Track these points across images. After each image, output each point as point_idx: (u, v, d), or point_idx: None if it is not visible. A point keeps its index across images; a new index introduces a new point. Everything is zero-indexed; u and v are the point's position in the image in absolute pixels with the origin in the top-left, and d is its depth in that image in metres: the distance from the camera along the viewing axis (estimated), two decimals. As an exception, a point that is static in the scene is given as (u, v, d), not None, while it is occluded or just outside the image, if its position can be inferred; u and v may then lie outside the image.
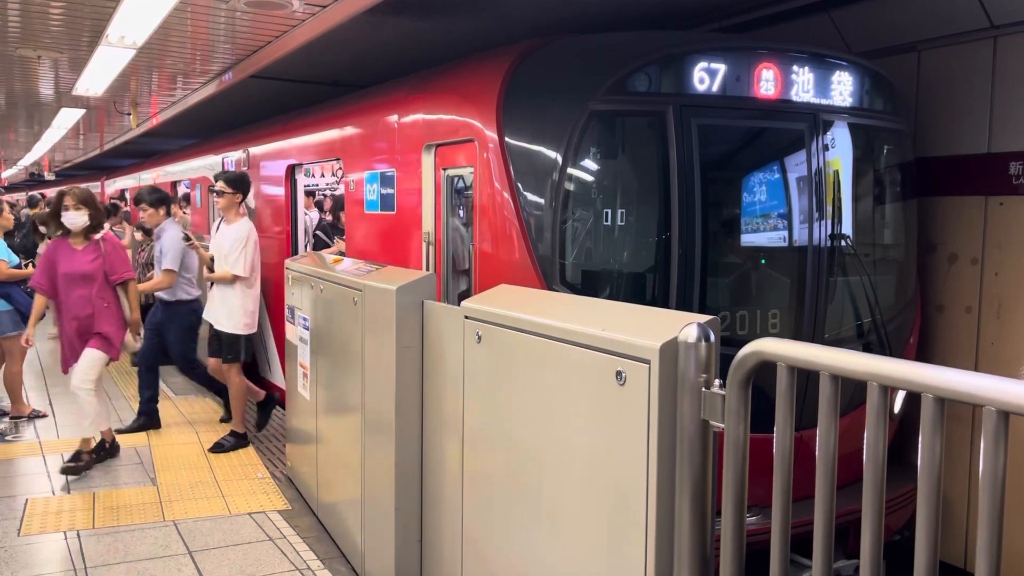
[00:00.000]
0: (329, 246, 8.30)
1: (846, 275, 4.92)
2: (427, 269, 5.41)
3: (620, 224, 4.59)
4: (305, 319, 5.59)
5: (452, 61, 5.89)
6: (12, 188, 33.21)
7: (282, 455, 6.62)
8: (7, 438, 7.08)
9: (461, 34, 6.75)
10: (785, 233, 4.76)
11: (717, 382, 2.29)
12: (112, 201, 13.82)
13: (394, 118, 6.04)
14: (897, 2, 5.43)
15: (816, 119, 4.71)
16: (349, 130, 7.09)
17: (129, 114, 11.10)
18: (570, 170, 4.43)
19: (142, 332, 6.66)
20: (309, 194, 10.40)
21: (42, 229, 9.45)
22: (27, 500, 5.57)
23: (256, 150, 9.36)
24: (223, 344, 7.05)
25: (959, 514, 5.33)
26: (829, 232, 4.76)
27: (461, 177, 5.19)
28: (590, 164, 4.60)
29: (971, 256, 5.34)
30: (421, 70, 6.41)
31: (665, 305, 4.36)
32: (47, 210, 14.53)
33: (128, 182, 18.53)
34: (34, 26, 6.46)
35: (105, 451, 6.50)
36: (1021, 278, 5.10)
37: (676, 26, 6.56)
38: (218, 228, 7.25)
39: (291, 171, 8.36)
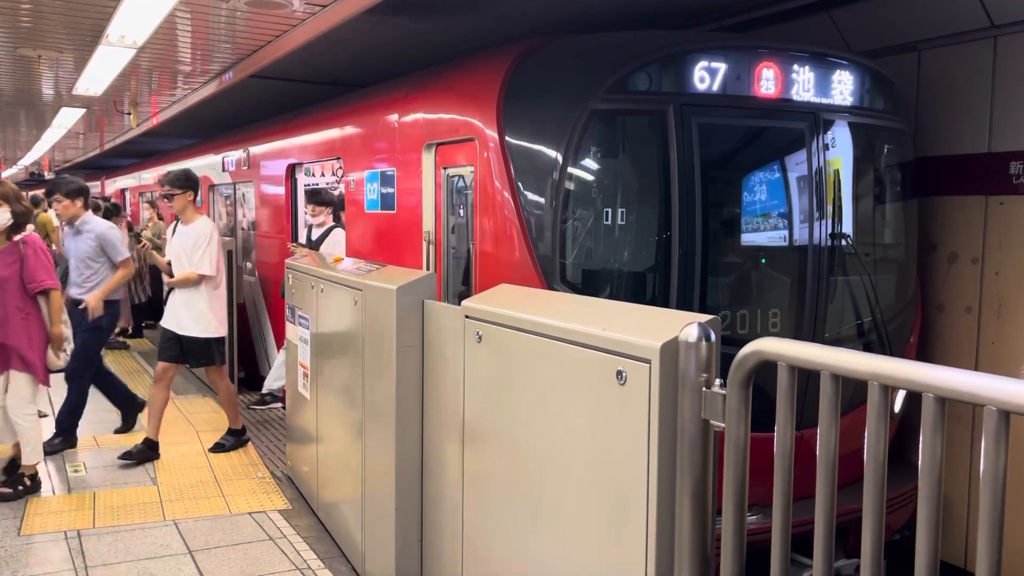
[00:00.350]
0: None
1: (846, 274, 4.92)
2: (427, 268, 5.42)
3: (620, 223, 4.59)
4: (305, 319, 5.59)
5: (452, 60, 5.89)
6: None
7: (282, 454, 6.62)
8: (7, 438, 7.07)
9: (461, 34, 6.75)
10: (785, 232, 4.76)
11: (718, 382, 2.29)
12: (113, 201, 13.80)
13: (394, 117, 6.04)
14: (897, 2, 5.43)
15: (816, 118, 4.71)
16: (349, 129, 7.09)
17: (129, 114, 11.09)
18: (570, 169, 4.43)
19: (67, 348, 5.87)
20: (314, 194, 10.40)
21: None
22: (27, 499, 5.57)
23: (256, 149, 9.37)
24: (194, 351, 6.65)
25: (959, 514, 5.33)
26: (829, 231, 4.76)
27: (461, 176, 5.19)
28: (590, 163, 4.60)
29: (971, 256, 5.34)
30: (421, 70, 6.42)
31: (665, 304, 4.36)
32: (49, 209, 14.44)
33: (128, 182, 18.54)
34: (34, 25, 6.45)
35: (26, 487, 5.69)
36: (1021, 278, 5.10)
37: (676, 26, 6.56)
38: (174, 231, 6.91)
39: (291, 170, 8.36)
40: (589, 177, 4.65)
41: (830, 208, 4.76)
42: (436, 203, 5.45)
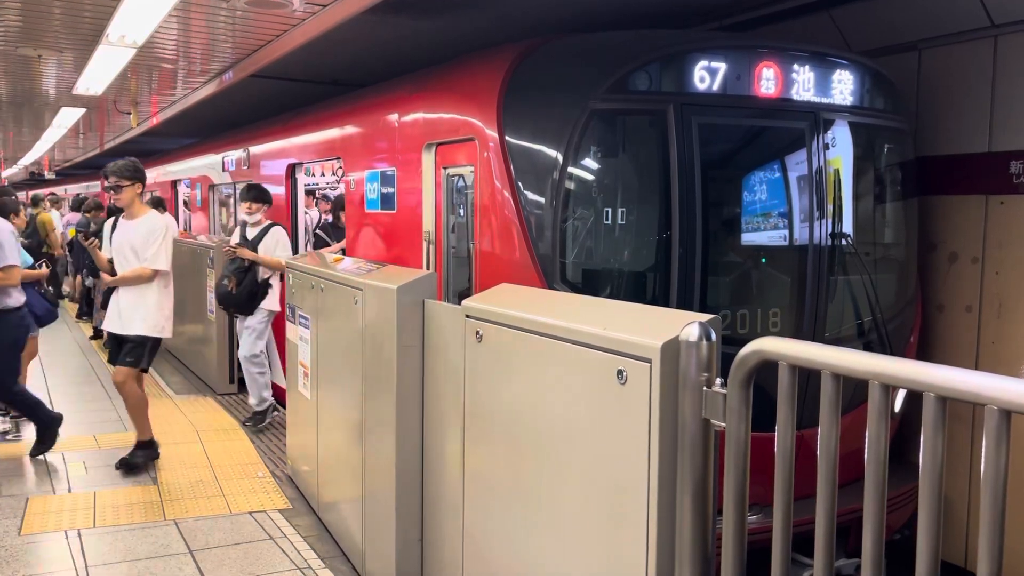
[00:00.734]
0: (329, 245, 8.30)
1: (847, 274, 4.92)
2: (427, 268, 5.42)
3: (621, 223, 4.59)
4: (306, 318, 5.59)
5: (452, 60, 5.89)
6: (13, 187, 33.15)
7: (282, 454, 6.62)
8: (8, 438, 7.08)
9: (461, 33, 6.75)
10: (786, 232, 4.76)
11: (718, 381, 2.29)
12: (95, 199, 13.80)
13: (394, 117, 6.04)
14: (898, 1, 5.43)
15: (817, 118, 4.71)
16: (349, 129, 7.09)
17: (129, 113, 11.10)
18: (571, 169, 4.43)
19: None
20: (309, 193, 10.41)
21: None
22: (28, 499, 5.57)
23: (256, 149, 9.37)
24: (129, 348, 6.14)
25: (960, 513, 5.33)
26: (830, 231, 4.76)
27: (461, 176, 5.19)
28: (591, 163, 4.60)
29: (972, 255, 5.34)
30: (421, 69, 6.42)
31: (666, 304, 4.36)
32: (50, 209, 14.45)
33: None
34: (35, 25, 6.45)
35: None
36: (1022, 277, 5.10)
37: (676, 25, 6.56)
38: (115, 226, 6.40)
39: (291, 170, 8.36)
40: (589, 177, 4.65)
41: (830, 208, 4.77)
42: (436, 203, 5.45)
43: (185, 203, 13.66)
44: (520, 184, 4.52)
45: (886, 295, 5.11)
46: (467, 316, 3.51)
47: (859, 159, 5.01)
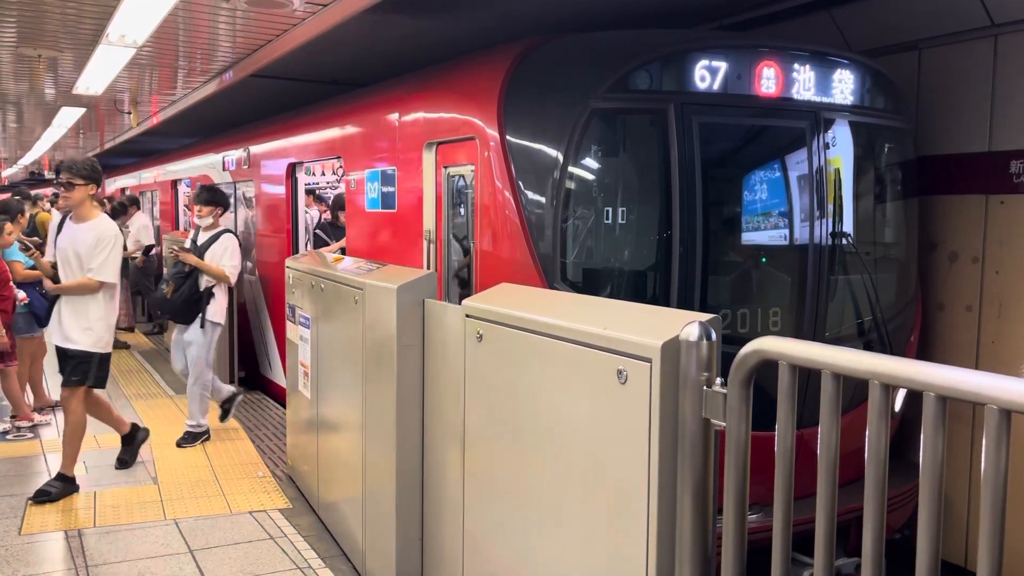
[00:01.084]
0: (329, 244, 8.29)
1: (847, 273, 4.92)
2: (428, 267, 5.42)
3: (621, 222, 4.58)
4: (306, 318, 5.59)
5: (453, 59, 5.89)
6: (13, 187, 33.21)
7: (283, 453, 6.62)
8: (8, 437, 7.08)
9: (461, 33, 6.75)
10: (786, 231, 4.76)
11: (718, 380, 2.29)
12: (120, 201, 13.80)
13: (395, 116, 6.04)
14: (898, 1, 5.43)
15: (817, 117, 4.71)
16: (350, 128, 7.09)
17: (129, 113, 11.09)
18: (571, 168, 4.43)
19: None
20: (309, 192, 10.41)
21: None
22: (28, 499, 5.57)
23: (257, 148, 9.37)
24: (74, 366, 5.72)
25: (960, 513, 5.33)
26: (830, 230, 4.76)
27: (462, 175, 5.19)
28: (591, 162, 4.60)
29: (972, 255, 5.34)
30: (421, 69, 6.41)
31: (666, 303, 4.36)
32: (50, 208, 14.43)
33: (129, 181, 18.55)
34: (35, 25, 6.45)
35: None
36: (1022, 277, 5.10)
37: (677, 25, 6.56)
38: (60, 228, 5.90)
39: (292, 169, 8.36)
40: (590, 176, 4.65)
41: (830, 207, 4.76)
42: (437, 202, 5.45)
43: (187, 205, 13.67)
44: (521, 183, 4.52)
45: (886, 295, 5.11)
46: (467, 316, 3.51)
47: (859, 159, 5.01)
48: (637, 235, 4.66)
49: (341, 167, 7.43)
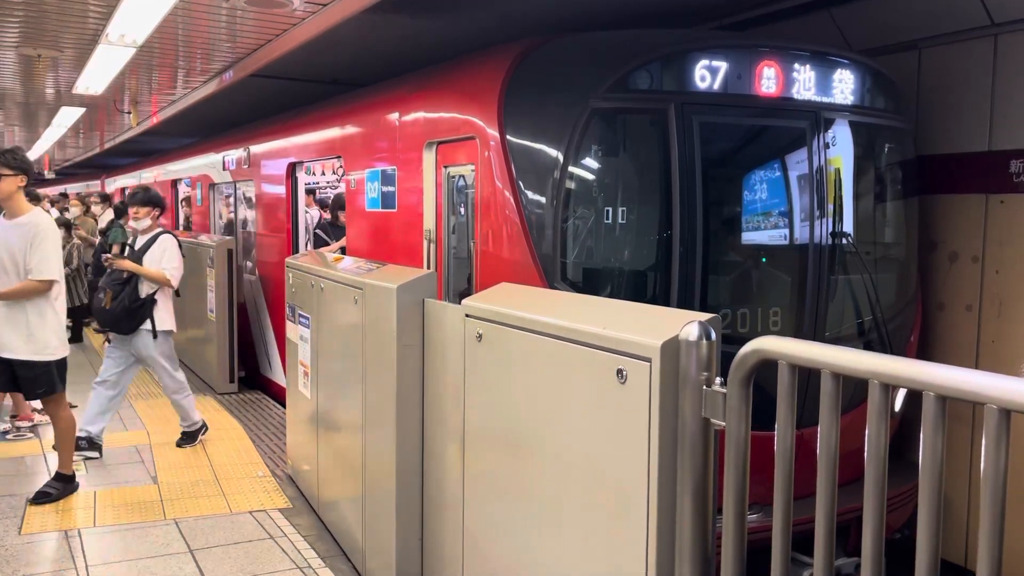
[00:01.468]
0: (329, 244, 8.29)
1: (847, 273, 4.92)
2: (428, 267, 5.42)
3: (621, 222, 4.59)
4: (306, 318, 5.59)
5: (453, 59, 5.89)
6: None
7: (282, 453, 6.62)
8: (8, 437, 7.08)
9: (461, 33, 6.75)
10: (786, 231, 4.76)
11: (718, 380, 2.29)
12: (122, 201, 13.79)
13: (395, 116, 6.04)
14: (897, 0, 5.43)
15: (817, 117, 4.71)
16: (350, 128, 7.09)
17: (129, 113, 11.10)
18: (571, 168, 4.43)
19: None
20: (309, 192, 10.41)
21: None
22: (28, 498, 5.57)
23: (257, 148, 9.37)
24: (31, 378, 5.33)
25: (959, 512, 5.33)
26: (830, 230, 4.76)
27: (462, 175, 5.19)
28: (591, 162, 4.60)
29: (972, 254, 5.34)
30: (421, 68, 6.41)
31: (666, 303, 4.36)
32: (51, 208, 14.39)
33: (129, 180, 18.55)
34: (35, 25, 6.45)
35: None
36: (1022, 276, 5.10)
37: (677, 25, 6.56)
38: None
39: (292, 169, 8.36)
40: (590, 176, 4.65)
41: (831, 207, 4.77)
42: (437, 202, 5.45)
43: (185, 201, 13.67)
44: (521, 183, 4.52)
45: (886, 294, 5.11)
46: (467, 316, 3.51)
47: (860, 158, 5.01)
48: (637, 235, 4.66)
49: (341, 167, 7.43)
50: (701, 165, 4.40)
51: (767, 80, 4.55)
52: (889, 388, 1.88)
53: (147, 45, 6.88)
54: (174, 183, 13.96)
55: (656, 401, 2.38)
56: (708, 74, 4.42)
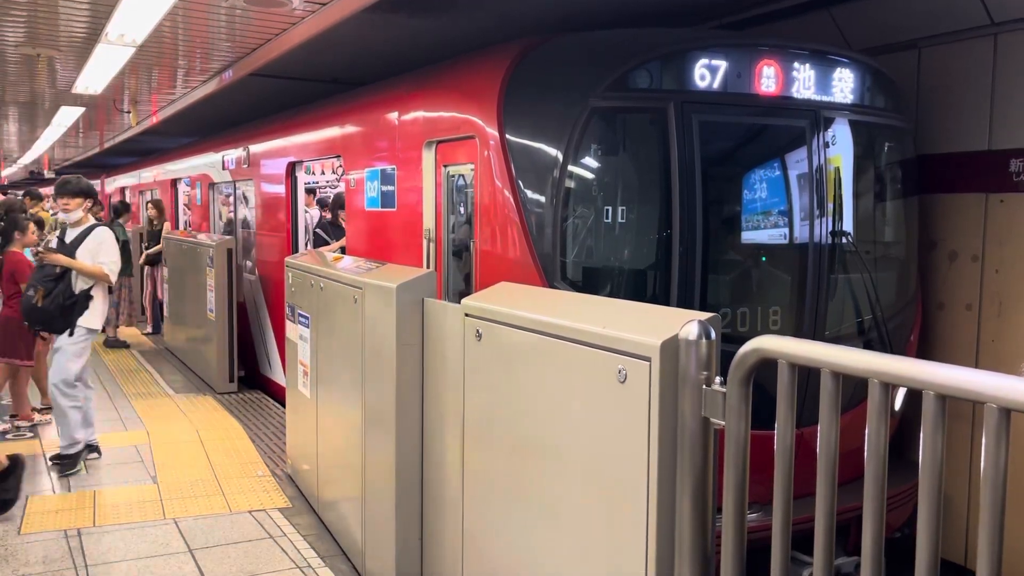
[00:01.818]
0: (329, 243, 8.29)
1: (847, 272, 4.92)
2: (427, 266, 5.41)
3: (621, 221, 4.58)
4: (305, 317, 5.59)
5: (452, 58, 5.88)
6: (13, 186, 33.25)
7: (282, 453, 6.62)
8: (8, 437, 7.08)
9: (460, 32, 6.75)
10: (786, 230, 4.76)
11: (718, 379, 2.29)
12: (121, 200, 13.77)
13: (394, 115, 6.04)
14: (897, 0, 5.43)
15: (817, 116, 4.71)
16: (349, 127, 7.09)
17: (129, 112, 11.09)
18: (571, 167, 4.43)
19: None
20: (309, 191, 10.40)
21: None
22: (27, 498, 5.57)
23: (256, 148, 9.36)
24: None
25: (959, 511, 5.33)
26: (830, 229, 4.76)
27: (462, 174, 5.19)
28: (591, 161, 4.60)
29: (972, 253, 5.34)
30: (421, 68, 6.41)
31: (666, 302, 4.35)
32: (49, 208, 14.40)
33: (128, 180, 18.54)
34: (35, 25, 6.45)
35: None
36: (1022, 275, 5.10)
37: (676, 24, 6.56)
38: None
39: (291, 168, 8.36)
40: (589, 175, 4.65)
41: (830, 206, 4.76)
42: (436, 201, 5.45)
43: (186, 206, 13.68)
44: (520, 182, 4.52)
45: (886, 293, 5.10)
46: (467, 315, 3.51)
47: (859, 157, 5.01)
48: (637, 234, 4.66)
49: (341, 166, 7.42)
50: (701, 164, 4.40)
51: (767, 79, 4.54)
52: (889, 387, 1.88)
53: (146, 44, 6.88)
54: (174, 182, 13.96)
55: (656, 400, 2.38)
56: (708, 73, 4.42)
